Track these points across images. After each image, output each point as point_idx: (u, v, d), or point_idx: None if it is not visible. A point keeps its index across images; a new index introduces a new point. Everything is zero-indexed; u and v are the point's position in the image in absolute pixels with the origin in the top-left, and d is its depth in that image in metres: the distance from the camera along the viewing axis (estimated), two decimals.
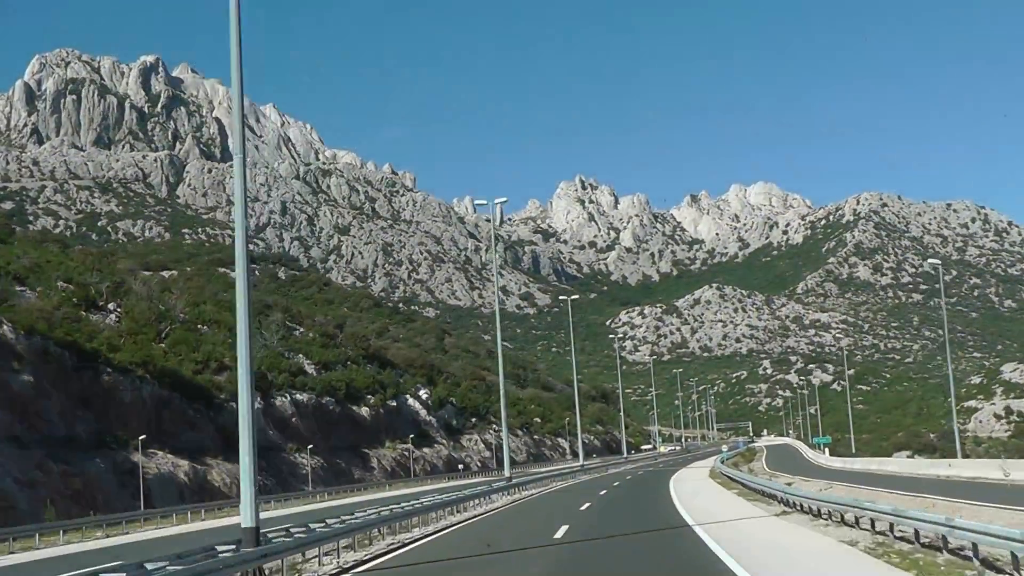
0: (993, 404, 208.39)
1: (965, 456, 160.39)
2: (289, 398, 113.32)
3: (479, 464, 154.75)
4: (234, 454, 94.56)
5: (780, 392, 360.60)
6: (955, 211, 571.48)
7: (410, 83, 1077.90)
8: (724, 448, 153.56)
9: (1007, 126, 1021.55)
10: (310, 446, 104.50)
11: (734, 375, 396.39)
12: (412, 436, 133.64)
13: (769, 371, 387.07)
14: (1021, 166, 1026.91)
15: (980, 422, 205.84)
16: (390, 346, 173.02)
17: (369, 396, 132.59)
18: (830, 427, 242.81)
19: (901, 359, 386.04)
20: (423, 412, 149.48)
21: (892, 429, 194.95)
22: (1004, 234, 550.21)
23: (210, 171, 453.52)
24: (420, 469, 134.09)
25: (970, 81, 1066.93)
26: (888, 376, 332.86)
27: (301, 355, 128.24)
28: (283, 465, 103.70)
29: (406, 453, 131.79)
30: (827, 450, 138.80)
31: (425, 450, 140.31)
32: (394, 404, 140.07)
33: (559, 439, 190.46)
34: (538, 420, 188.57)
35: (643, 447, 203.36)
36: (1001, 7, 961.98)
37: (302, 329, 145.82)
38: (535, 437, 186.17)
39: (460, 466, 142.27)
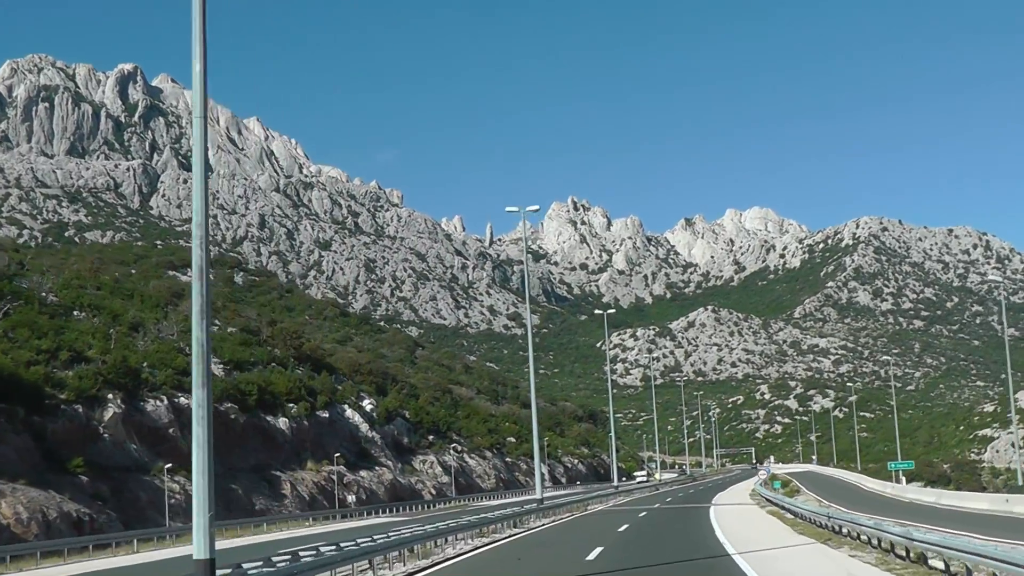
0: (1010, 433, 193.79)
1: (982, 489, 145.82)
2: (167, 402, 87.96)
3: (433, 492, 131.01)
4: (56, 476, 72.38)
5: (779, 418, 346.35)
6: (956, 237, 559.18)
7: (401, 104, 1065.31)
8: (760, 476, 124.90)
9: (1008, 152, 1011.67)
10: (168, 466, 78.05)
11: (730, 400, 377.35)
12: (338, 455, 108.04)
13: (767, 396, 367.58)
14: (1023, 193, 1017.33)
15: (997, 452, 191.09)
16: (336, 350, 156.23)
17: (291, 404, 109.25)
18: (829, 455, 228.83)
19: (903, 386, 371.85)
20: (365, 427, 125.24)
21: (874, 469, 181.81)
22: (1007, 261, 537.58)
23: (185, 181, 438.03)
24: (354, 498, 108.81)
25: (972, 106, 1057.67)
26: (891, 403, 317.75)
27: None
28: (142, 491, 78.81)
29: (334, 477, 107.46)
30: (903, 478, 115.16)
31: (362, 473, 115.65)
32: (326, 416, 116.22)
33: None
34: (512, 440, 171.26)
35: (636, 473, 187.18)
36: (1003, 31, 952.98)
37: (218, 323, 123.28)
38: (507, 460, 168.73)
39: (411, 497, 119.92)
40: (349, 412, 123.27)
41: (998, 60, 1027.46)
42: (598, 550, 38.95)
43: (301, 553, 27.87)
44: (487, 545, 46.36)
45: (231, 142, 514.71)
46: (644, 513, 71.59)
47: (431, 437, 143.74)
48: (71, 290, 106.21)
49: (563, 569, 32.35)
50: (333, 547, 30.96)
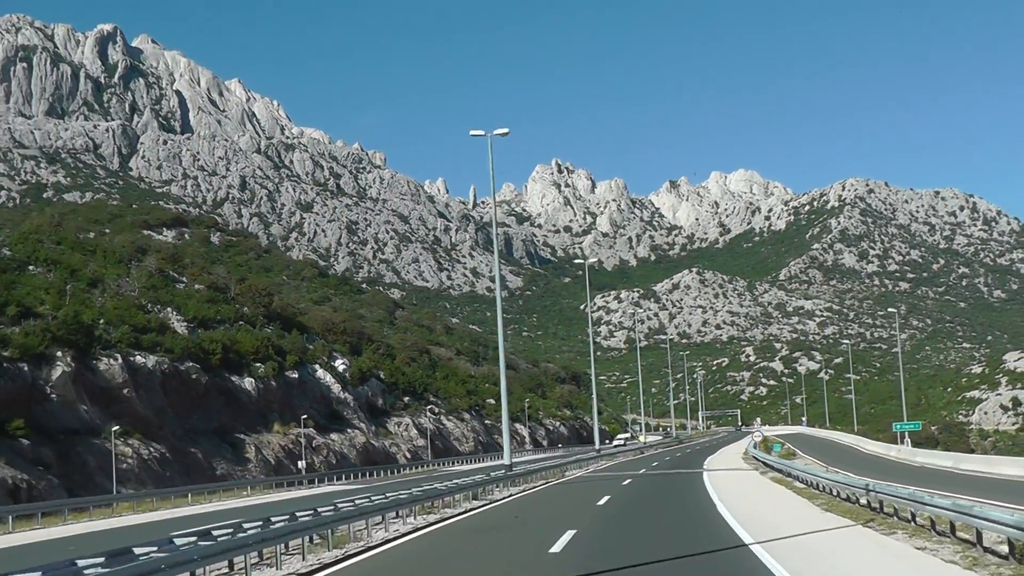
0: (999, 395, 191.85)
1: (970, 450, 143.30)
2: (121, 360, 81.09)
3: (408, 455, 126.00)
4: None
5: (764, 380, 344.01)
6: (943, 199, 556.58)
7: (384, 67, 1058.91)
8: (754, 438, 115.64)
9: (994, 114, 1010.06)
10: (115, 428, 71.85)
11: (715, 362, 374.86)
12: (305, 417, 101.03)
13: (752, 358, 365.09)
14: (1009, 155, 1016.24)
15: (985, 414, 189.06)
16: (310, 309, 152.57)
17: (258, 364, 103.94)
18: (818, 417, 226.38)
19: (888, 348, 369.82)
20: (337, 387, 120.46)
21: (888, 420, 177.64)
22: (993, 223, 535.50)
23: (165, 143, 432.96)
24: (322, 462, 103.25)
25: (957, 68, 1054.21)
26: (878, 365, 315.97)
27: (170, 308, 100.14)
28: (91, 455, 72.82)
29: (301, 440, 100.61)
30: (908, 440, 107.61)
31: (333, 437, 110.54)
32: (295, 376, 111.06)
33: (517, 424, 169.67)
34: (491, 402, 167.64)
35: (620, 436, 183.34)
36: None
37: (184, 280, 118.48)
38: (487, 423, 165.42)
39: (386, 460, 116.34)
40: (320, 372, 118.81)
41: (983, 23, 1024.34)
42: (568, 536, 29.89)
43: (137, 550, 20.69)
44: (432, 525, 37.39)
45: (212, 104, 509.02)
46: (628, 481, 62.81)
47: (407, 399, 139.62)
48: (27, 244, 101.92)
49: (515, 571, 23.51)
50: (196, 537, 23.37)
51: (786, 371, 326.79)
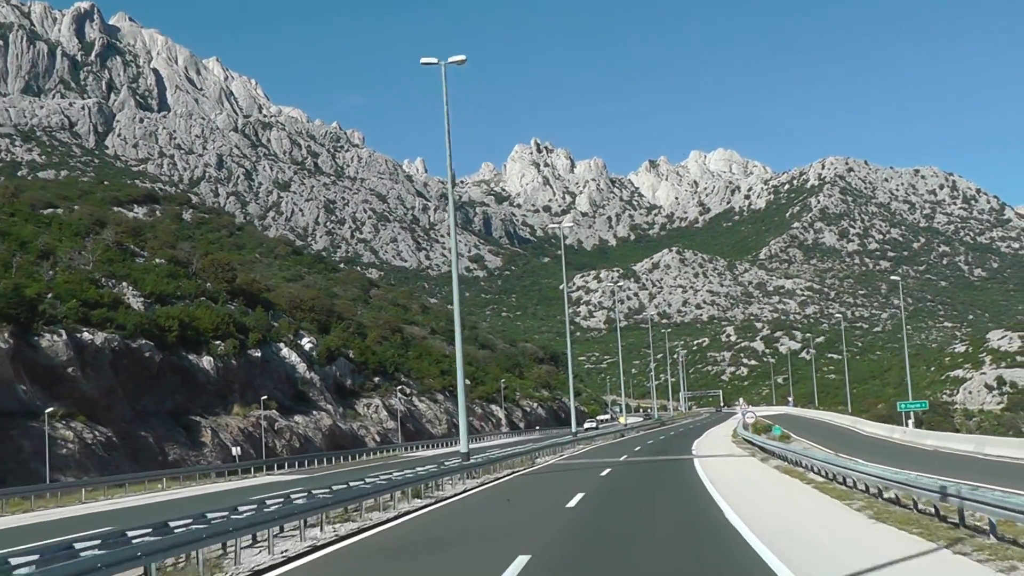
0: (983, 374, 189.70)
1: (955, 430, 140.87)
2: (65, 337, 74.89)
3: (377, 438, 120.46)
4: None
5: (745, 360, 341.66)
6: (923, 177, 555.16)
7: (364, 46, 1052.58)
8: (745, 419, 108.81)
9: (975, 92, 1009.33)
10: (48, 410, 65.69)
11: (695, 342, 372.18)
12: (266, 397, 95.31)
13: (733, 338, 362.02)
14: (989, 134, 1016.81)
15: (970, 393, 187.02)
16: (279, 285, 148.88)
17: (218, 342, 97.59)
18: (802, 397, 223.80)
19: (870, 328, 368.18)
20: (303, 367, 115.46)
21: (872, 400, 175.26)
22: (972, 201, 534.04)
23: (142, 120, 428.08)
24: (284, 446, 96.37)
25: (938, 45, 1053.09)
26: (860, 345, 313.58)
27: (126, 283, 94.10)
28: (27, 439, 66.36)
29: (262, 422, 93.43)
30: (911, 420, 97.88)
31: (297, 419, 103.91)
32: (258, 355, 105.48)
33: (493, 406, 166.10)
34: (467, 382, 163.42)
35: (596, 417, 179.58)
36: None
37: (146, 255, 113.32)
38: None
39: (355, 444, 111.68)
40: (285, 351, 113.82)
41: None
42: (516, 568, 19.92)
43: None
44: (341, 541, 27.39)
45: (190, 82, 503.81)
46: (607, 471, 52.90)
47: (377, 379, 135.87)
48: None
49: None
50: None
51: (767, 351, 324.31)
